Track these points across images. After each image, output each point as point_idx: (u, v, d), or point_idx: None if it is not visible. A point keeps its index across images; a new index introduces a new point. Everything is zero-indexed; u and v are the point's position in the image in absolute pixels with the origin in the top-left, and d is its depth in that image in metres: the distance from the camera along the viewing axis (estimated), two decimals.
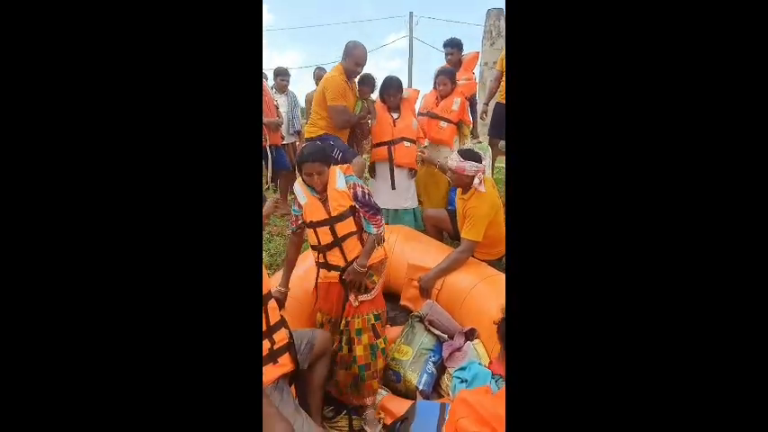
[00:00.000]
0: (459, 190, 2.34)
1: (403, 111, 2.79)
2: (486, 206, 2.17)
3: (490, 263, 2.37)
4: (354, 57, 2.58)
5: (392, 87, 2.73)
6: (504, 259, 2.52)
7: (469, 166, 2.17)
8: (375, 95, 2.87)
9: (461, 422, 0.99)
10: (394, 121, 2.74)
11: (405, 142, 2.71)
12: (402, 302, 2.29)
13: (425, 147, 2.94)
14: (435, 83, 2.97)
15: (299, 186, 1.79)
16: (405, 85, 2.87)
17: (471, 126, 3.15)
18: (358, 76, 2.72)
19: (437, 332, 2.01)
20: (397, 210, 2.83)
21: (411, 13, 11.41)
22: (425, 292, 2.18)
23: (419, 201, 2.97)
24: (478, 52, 3.50)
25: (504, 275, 2.19)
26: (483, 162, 2.25)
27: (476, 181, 2.18)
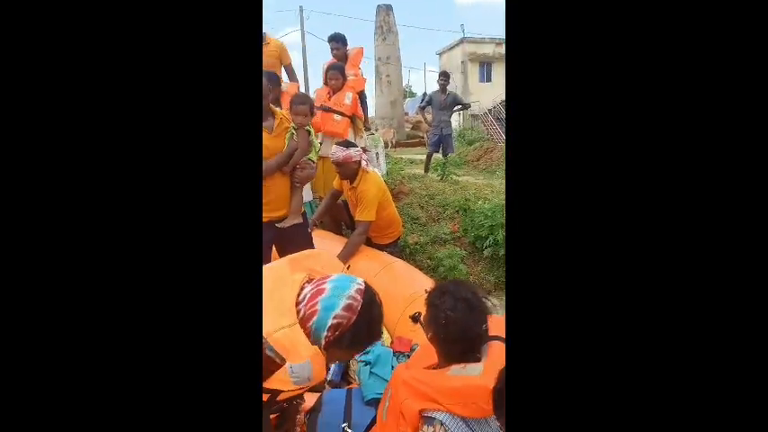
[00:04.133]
0: (345, 183, 2.45)
1: (284, 104, 2.73)
2: (374, 187, 2.35)
3: (387, 246, 2.51)
4: None
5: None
6: (399, 241, 2.70)
7: (354, 152, 2.33)
8: None
9: (406, 403, 0.98)
10: None
11: None
12: None
13: (320, 142, 2.94)
14: (326, 78, 2.99)
15: None
16: (301, 79, 2.82)
17: (363, 119, 3.23)
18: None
19: None
20: None
21: (301, 7, 11.22)
22: None
23: (318, 195, 2.97)
24: (363, 47, 3.58)
25: (401, 261, 2.34)
26: (374, 151, 2.40)
27: (363, 163, 2.37)
